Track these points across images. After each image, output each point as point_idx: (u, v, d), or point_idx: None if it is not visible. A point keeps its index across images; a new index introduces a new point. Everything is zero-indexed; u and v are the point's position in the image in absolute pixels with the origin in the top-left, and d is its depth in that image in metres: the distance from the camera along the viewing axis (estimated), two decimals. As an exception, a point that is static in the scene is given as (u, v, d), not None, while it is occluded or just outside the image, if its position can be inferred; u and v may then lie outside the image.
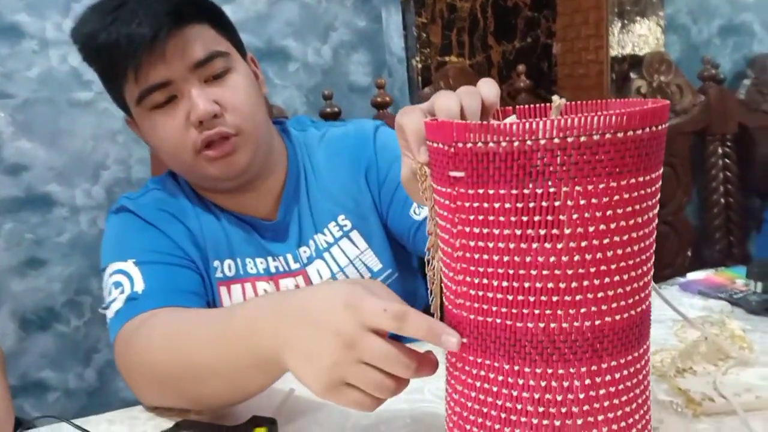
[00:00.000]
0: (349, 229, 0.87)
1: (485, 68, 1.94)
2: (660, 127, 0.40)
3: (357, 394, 0.47)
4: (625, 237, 0.40)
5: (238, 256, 0.85)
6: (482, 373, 0.43)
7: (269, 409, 0.65)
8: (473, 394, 0.44)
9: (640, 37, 1.77)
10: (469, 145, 0.40)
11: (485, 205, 0.40)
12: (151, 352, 0.65)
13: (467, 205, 0.41)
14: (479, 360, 0.43)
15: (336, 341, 0.46)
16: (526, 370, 0.41)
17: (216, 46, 0.77)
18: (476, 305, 0.43)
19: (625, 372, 0.42)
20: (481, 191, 0.40)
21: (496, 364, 0.42)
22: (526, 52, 2.01)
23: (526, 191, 0.39)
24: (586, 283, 0.40)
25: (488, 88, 0.47)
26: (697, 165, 1.75)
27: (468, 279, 0.42)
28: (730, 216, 1.75)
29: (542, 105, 0.51)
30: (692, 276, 0.92)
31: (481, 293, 0.42)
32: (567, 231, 0.39)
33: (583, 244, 0.39)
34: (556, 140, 0.38)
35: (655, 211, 0.42)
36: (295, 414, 0.64)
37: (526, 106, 0.52)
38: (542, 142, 0.38)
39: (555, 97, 0.46)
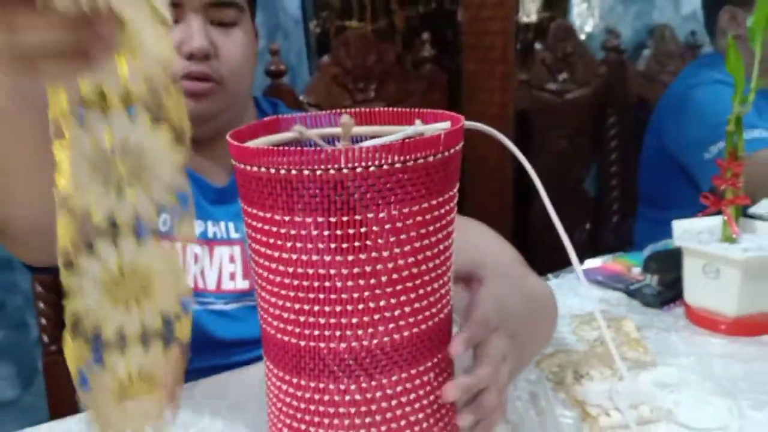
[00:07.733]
0: None
1: (388, 35, 1.91)
2: (456, 149, 0.42)
3: None
4: (437, 251, 0.42)
5: None
6: (298, 393, 0.44)
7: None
8: (290, 412, 0.45)
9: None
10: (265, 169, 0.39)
11: (302, 232, 0.40)
12: None
13: (282, 231, 0.41)
14: (295, 380, 0.44)
15: None
16: (331, 387, 0.42)
17: None
18: (297, 330, 0.43)
19: (417, 381, 0.44)
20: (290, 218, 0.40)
21: (309, 383, 0.43)
22: (431, 18, 1.99)
23: (332, 219, 0.39)
24: (393, 300, 0.41)
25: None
26: (597, 138, 1.80)
27: (289, 304, 0.43)
28: (627, 189, 1.80)
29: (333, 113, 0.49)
30: (589, 264, 0.93)
31: (302, 318, 0.42)
32: (385, 254, 0.40)
33: (390, 265, 0.40)
34: (362, 169, 0.38)
35: (452, 228, 0.44)
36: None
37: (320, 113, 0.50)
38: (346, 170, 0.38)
39: (345, 117, 0.45)
